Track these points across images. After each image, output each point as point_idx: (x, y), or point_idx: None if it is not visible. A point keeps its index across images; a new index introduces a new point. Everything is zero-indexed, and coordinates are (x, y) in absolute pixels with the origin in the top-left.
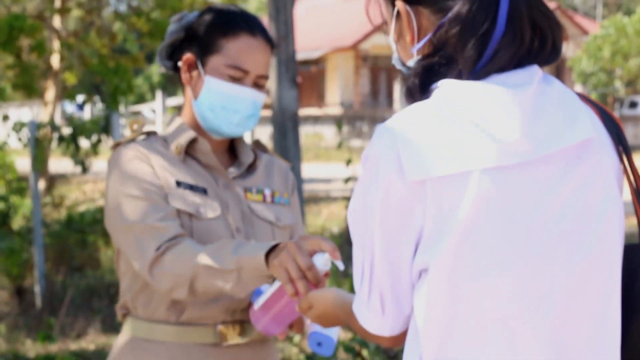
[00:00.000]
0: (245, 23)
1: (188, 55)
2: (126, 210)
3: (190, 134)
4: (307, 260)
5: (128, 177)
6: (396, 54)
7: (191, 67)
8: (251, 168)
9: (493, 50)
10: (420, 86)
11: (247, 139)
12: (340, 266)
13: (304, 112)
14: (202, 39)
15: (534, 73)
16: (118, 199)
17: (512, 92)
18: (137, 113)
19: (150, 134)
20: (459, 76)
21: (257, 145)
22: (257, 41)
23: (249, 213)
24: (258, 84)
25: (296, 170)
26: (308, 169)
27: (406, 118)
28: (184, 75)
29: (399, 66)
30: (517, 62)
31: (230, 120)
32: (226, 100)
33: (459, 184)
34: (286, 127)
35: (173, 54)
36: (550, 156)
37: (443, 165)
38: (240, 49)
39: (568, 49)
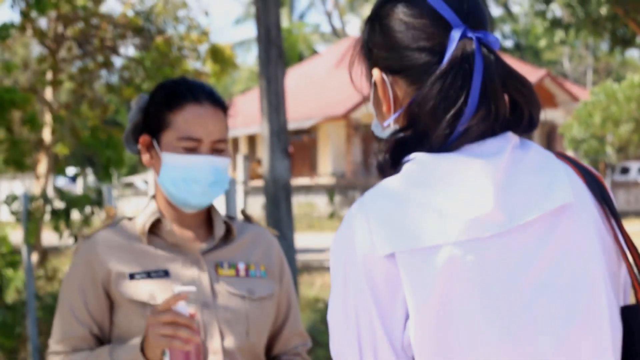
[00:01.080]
0: (189, 93)
1: (144, 137)
2: (57, 312)
3: (154, 216)
4: (168, 315)
5: (67, 286)
6: (375, 120)
7: (149, 147)
8: (227, 240)
9: (465, 126)
10: (391, 161)
11: (239, 207)
12: (193, 289)
13: (296, 181)
14: (152, 118)
15: (508, 140)
16: (60, 297)
17: (484, 162)
18: (129, 184)
19: (123, 219)
20: (430, 150)
21: (244, 216)
22: (204, 108)
23: (218, 289)
24: (217, 149)
25: (289, 241)
26: (301, 239)
27: (377, 193)
28: (144, 157)
29: (377, 133)
30: (491, 132)
31: (194, 191)
32: (184, 172)
33: (430, 258)
34: (279, 197)
35: (136, 138)
36: (526, 224)
37: (413, 238)
38: (187, 119)
39: (559, 116)
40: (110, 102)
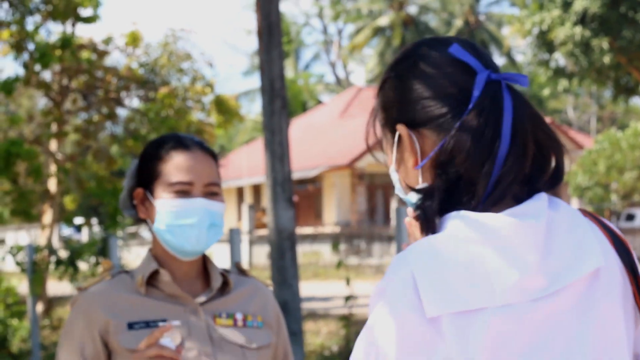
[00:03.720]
0: (176, 142)
1: (137, 191)
2: None
3: (151, 267)
4: (154, 350)
5: (65, 339)
6: (398, 185)
7: (143, 200)
8: (223, 291)
9: (500, 167)
10: (438, 212)
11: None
12: (176, 323)
13: (301, 230)
14: (143, 172)
15: (543, 201)
16: (57, 349)
17: (525, 225)
18: (134, 234)
19: (120, 272)
20: (471, 199)
21: (238, 269)
22: (192, 153)
23: (217, 338)
24: (210, 193)
25: (294, 289)
26: (306, 287)
27: (422, 250)
28: (140, 210)
29: (402, 196)
30: (524, 184)
31: (190, 236)
32: (179, 217)
33: (474, 320)
34: (284, 246)
35: (132, 199)
36: (564, 288)
37: (460, 301)
38: (176, 165)
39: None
40: (116, 154)
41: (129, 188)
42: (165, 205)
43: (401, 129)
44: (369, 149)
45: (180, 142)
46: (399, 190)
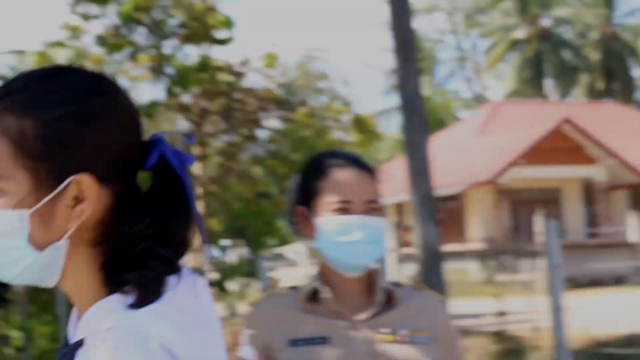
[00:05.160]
0: (334, 159)
1: (298, 209)
2: None
3: (314, 284)
4: None
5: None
6: None
7: (304, 217)
8: (388, 306)
9: None
10: None
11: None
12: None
13: (446, 248)
14: (304, 190)
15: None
16: None
17: None
18: (279, 255)
19: (289, 288)
20: None
21: (411, 283)
22: (348, 171)
23: (378, 355)
24: (369, 209)
25: None
26: (455, 305)
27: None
28: (301, 228)
29: None
30: None
31: (350, 252)
32: (339, 234)
33: None
34: (430, 264)
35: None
36: None
37: None
38: (335, 183)
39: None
40: (258, 175)
41: (290, 205)
42: (325, 223)
43: None
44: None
45: (338, 159)
46: None
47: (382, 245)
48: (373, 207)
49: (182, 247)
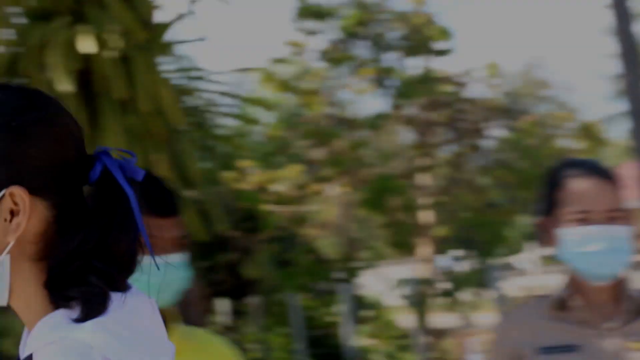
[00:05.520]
0: (569, 170)
1: (539, 219)
2: None
3: (562, 292)
4: None
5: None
6: None
7: (546, 228)
8: (637, 315)
9: None
10: None
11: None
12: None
13: None
14: (545, 201)
15: None
16: None
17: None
18: (507, 264)
19: (542, 297)
20: None
21: None
22: (586, 180)
23: None
24: (612, 218)
25: None
26: None
27: None
28: (544, 238)
29: None
30: None
31: (593, 262)
32: (580, 244)
33: None
34: None
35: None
36: None
37: None
38: (572, 194)
39: None
40: (485, 185)
41: (535, 216)
42: (565, 234)
43: None
44: None
45: (575, 169)
46: None
47: (627, 254)
48: (615, 216)
49: (126, 262)
